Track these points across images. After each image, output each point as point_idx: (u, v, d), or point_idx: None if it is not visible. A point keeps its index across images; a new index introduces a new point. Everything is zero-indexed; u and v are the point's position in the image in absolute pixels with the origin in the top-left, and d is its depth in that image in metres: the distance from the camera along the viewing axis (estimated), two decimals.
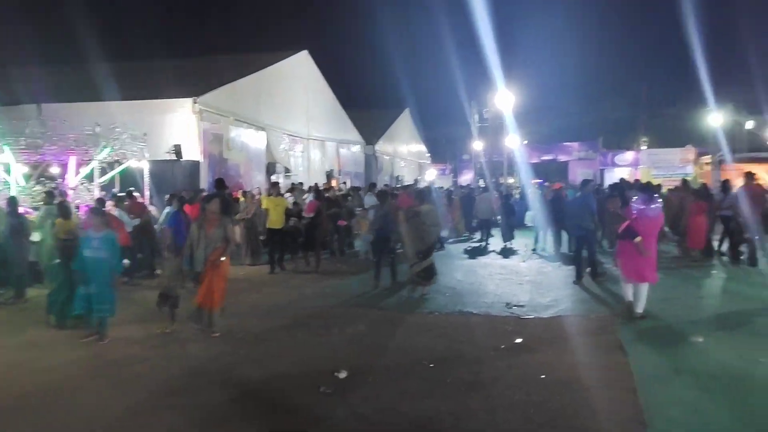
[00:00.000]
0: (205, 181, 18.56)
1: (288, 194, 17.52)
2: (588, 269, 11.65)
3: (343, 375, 6.24)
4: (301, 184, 21.62)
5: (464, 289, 11.13)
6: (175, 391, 5.94)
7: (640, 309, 8.40)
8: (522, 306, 9.53)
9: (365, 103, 44.78)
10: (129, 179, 15.71)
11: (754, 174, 14.08)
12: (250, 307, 9.80)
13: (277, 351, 7.26)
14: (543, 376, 6.06)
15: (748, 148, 38.50)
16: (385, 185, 26.77)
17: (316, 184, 22.19)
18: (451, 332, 7.97)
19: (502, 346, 7.24)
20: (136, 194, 14.10)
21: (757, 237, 12.91)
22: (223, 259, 8.04)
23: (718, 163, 39.14)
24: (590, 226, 11.47)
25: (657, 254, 8.69)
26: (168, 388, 6.03)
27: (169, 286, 8.32)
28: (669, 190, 19.62)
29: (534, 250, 15.70)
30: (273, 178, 24.07)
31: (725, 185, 14.40)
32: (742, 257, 13.20)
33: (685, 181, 17.23)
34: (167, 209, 12.73)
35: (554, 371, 6.21)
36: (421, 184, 32.68)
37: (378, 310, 9.56)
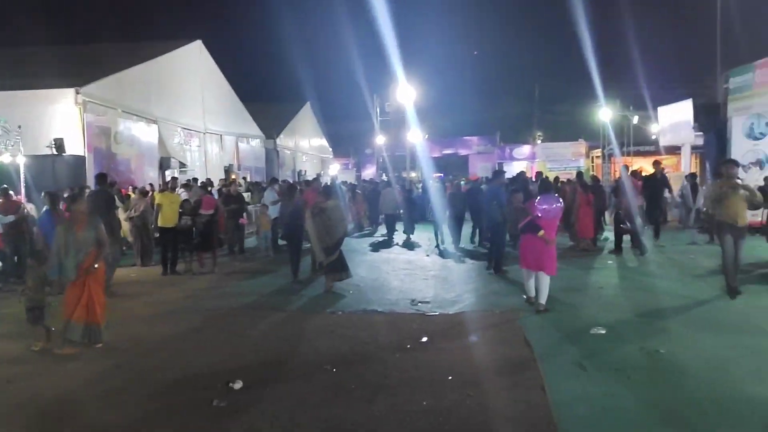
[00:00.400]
0: (91, 177, 17.37)
1: (182, 190, 16.65)
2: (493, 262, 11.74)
3: (238, 386, 5.75)
4: (195, 180, 20.68)
5: (368, 286, 10.81)
6: (48, 419, 5.26)
7: (542, 301, 8.44)
8: (427, 302, 9.31)
9: (265, 97, 43.91)
10: (3, 176, 14.37)
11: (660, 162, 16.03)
12: (139, 313, 9.08)
13: (167, 362, 6.65)
14: (450, 378, 5.80)
15: (634, 142, 40.44)
16: (283, 180, 26.09)
17: (208, 179, 21.30)
18: (355, 333, 7.61)
19: (408, 346, 6.94)
20: (11, 192, 12.87)
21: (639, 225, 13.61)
22: (96, 266, 7.26)
23: (608, 156, 40.99)
24: (499, 218, 11.45)
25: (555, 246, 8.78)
26: (40, 413, 5.34)
27: (34, 298, 7.29)
28: (562, 182, 20.16)
29: (437, 245, 15.58)
30: (168, 173, 22.94)
31: (634, 175, 14.98)
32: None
33: (579, 174, 17.74)
34: (45, 208, 11.68)
35: (462, 371, 5.96)
36: (324, 179, 32.25)
37: (278, 311, 9.07)
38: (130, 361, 6.74)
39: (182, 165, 24.62)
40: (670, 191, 16.62)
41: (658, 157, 22.57)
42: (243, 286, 11.12)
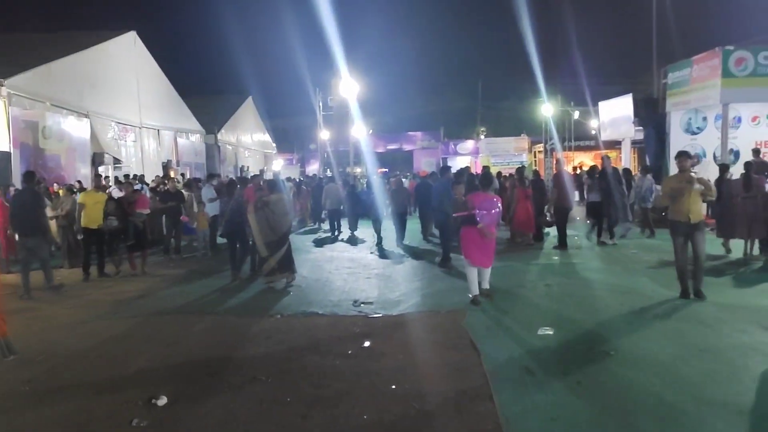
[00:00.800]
0: (17, 175, 16.42)
1: (114, 187, 15.86)
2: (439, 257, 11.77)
3: (162, 402, 5.25)
4: (126, 176, 19.83)
5: (310, 286, 10.39)
6: None
7: (486, 286, 8.76)
8: (370, 303, 8.94)
9: (205, 90, 42.64)
10: None
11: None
12: (61, 320, 8.44)
13: (85, 375, 6.07)
14: (394, 387, 5.43)
15: (575, 137, 41.05)
16: (226, 176, 25.34)
17: (141, 175, 20.47)
18: (293, 338, 7.18)
19: (349, 352, 6.55)
20: None
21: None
22: None
23: (550, 151, 41.48)
24: (448, 213, 11.23)
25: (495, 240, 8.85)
26: None
27: None
28: (504, 177, 20.13)
29: (378, 243, 15.21)
30: (102, 169, 21.97)
31: (592, 171, 14.79)
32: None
33: (518, 170, 17.65)
34: None
35: (406, 380, 5.60)
36: (268, 175, 31.57)
37: (213, 315, 8.55)
38: (44, 375, 6.14)
39: (117, 161, 23.65)
40: (626, 186, 16.34)
41: (604, 152, 22.83)
42: (176, 289, 10.54)
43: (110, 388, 5.68)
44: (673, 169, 18.50)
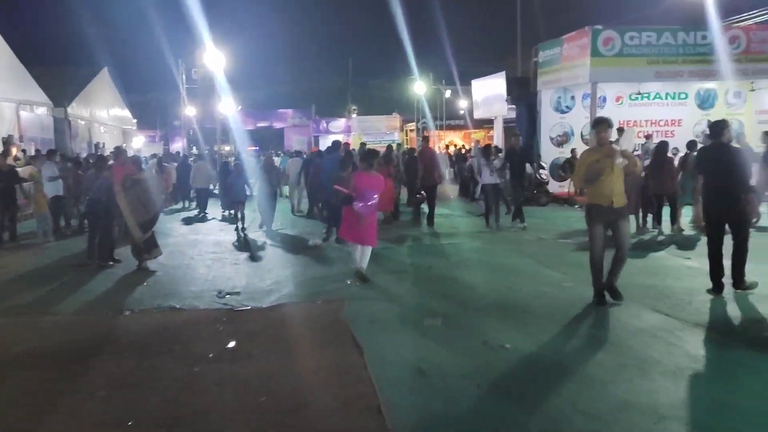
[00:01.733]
0: None
1: None
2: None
3: None
4: None
5: (168, 274, 9.21)
6: None
7: (364, 265, 8.38)
8: (237, 293, 7.94)
9: (53, 60, 38.97)
10: None
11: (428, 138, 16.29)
12: None
13: None
14: (264, 399, 4.55)
15: (447, 116, 41.48)
16: (75, 152, 23.01)
17: None
18: (143, 340, 6.08)
19: (211, 355, 5.57)
20: None
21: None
22: None
23: (422, 130, 41.66)
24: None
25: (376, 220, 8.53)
26: None
27: None
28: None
29: (241, 224, 14.02)
30: None
31: (486, 150, 13.85)
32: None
33: (388, 147, 17.25)
34: None
35: (278, 389, 4.72)
36: (128, 153, 29.25)
37: (48, 314, 7.20)
38: None
39: None
40: (532, 165, 15.94)
41: (473, 131, 22.77)
42: (7, 284, 8.97)
43: None
44: (546, 147, 18.96)
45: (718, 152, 7.28)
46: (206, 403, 4.53)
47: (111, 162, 11.57)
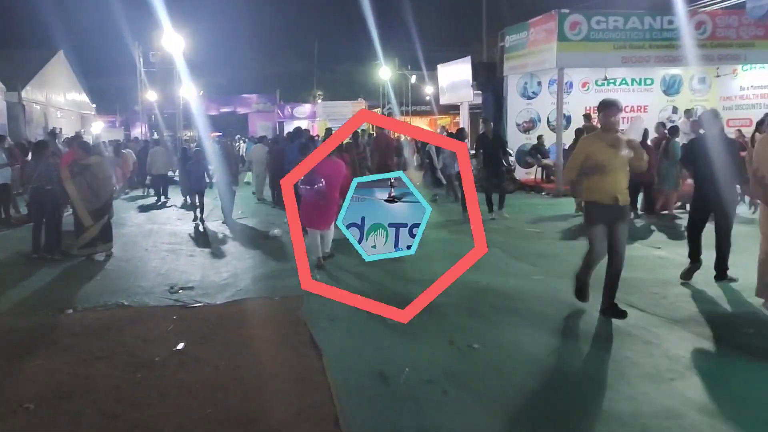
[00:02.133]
0: None
1: None
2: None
3: None
4: None
5: (119, 268, 8.71)
6: None
7: (327, 248, 8.52)
8: (190, 288, 7.48)
9: (5, 42, 37.46)
10: None
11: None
12: None
13: None
14: (210, 411, 4.15)
15: (412, 102, 41.04)
16: (27, 140, 22.04)
17: None
18: (84, 342, 5.60)
19: (157, 359, 5.13)
20: None
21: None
22: None
23: (388, 115, 41.18)
24: None
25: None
26: None
27: None
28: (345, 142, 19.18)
29: (199, 213, 13.44)
30: None
31: (461, 133, 13.35)
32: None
33: (355, 133, 16.82)
34: None
35: (227, 400, 4.31)
36: (87, 138, 28.34)
37: None
38: None
39: None
40: (507, 152, 15.41)
41: (439, 117, 22.37)
42: None
43: None
44: (512, 134, 18.66)
45: (715, 143, 6.98)
46: (146, 417, 4.11)
47: (61, 147, 11.01)
